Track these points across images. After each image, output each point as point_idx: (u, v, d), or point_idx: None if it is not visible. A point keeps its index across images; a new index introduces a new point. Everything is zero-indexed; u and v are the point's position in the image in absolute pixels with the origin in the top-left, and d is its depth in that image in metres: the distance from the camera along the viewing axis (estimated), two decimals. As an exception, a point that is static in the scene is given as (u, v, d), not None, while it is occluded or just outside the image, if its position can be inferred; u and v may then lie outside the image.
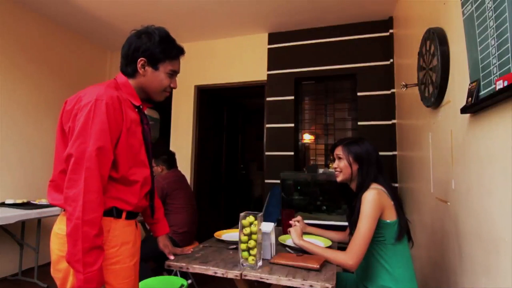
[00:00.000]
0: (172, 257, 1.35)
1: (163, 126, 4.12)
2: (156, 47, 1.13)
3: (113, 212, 1.04)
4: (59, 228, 1.04)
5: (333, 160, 1.57)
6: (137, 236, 1.15)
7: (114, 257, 1.03)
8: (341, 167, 1.50)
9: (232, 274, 1.20)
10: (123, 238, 1.06)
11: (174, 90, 1.32)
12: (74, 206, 0.92)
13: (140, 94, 1.18)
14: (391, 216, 1.34)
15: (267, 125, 3.60)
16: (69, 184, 0.94)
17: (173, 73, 1.19)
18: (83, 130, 0.96)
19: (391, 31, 3.19)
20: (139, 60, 1.13)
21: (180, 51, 1.20)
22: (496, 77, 1.02)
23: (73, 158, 0.95)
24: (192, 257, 1.37)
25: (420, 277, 1.99)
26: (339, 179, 1.53)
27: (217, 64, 3.88)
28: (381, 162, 1.48)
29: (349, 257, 1.27)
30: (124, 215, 1.07)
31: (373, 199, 1.31)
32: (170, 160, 2.74)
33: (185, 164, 3.77)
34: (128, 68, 1.15)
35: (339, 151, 1.52)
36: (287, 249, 1.54)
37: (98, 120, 0.98)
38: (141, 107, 1.18)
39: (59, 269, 1.01)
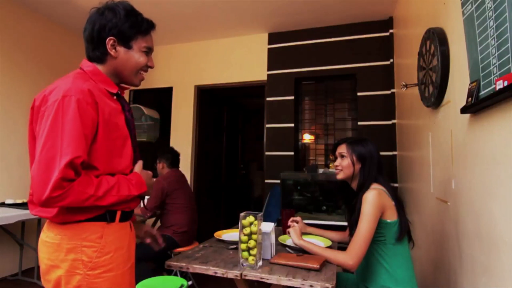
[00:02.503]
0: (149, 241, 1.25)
1: (163, 126, 4.12)
2: (124, 23, 1.00)
3: (106, 216, 0.97)
4: (47, 236, 0.95)
5: (334, 159, 1.57)
6: (131, 239, 1.06)
7: (108, 264, 0.95)
8: (343, 165, 1.50)
9: (232, 274, 1.20)
10: (116, 243, 0.98)
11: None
12: (61, 198, 0.85)
13: (114, 79, 1.05)
14: (391, 216, 1.34)
15: (267, 125, 3.60)
16: (39, 191, 0.84)
17: (148, 50, 1.08)
18: (50, 133, 0.86)
19: (391, 31, 3.18)
20: (107, 40, 1.00)
21: (151, 25, 1.08)
22: (496, 77, 1.02)
23: (40, 164, 0.84)
24: (192, 257, 1.37)
25: (420, 277, 1.99)
26: (339, 176, 1.53)
27: (217, 64, 3.87)
28: (381, 163, 1.48)
29: (349, 257, 1.27)
30: (118, 217, 0.99)
31: (373, 199, 1.31)
32: (173, 159, 2.75)
33: (185, 164, 3.76)
34: (96, 52, 1.02)
35: (342, 149, 1.52)
36: (287, 249, 1.54)
37: (68, 120, 0.86)
38: (119, 93, 1.06)
39: (49, 279, 0.93)
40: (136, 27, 1.03)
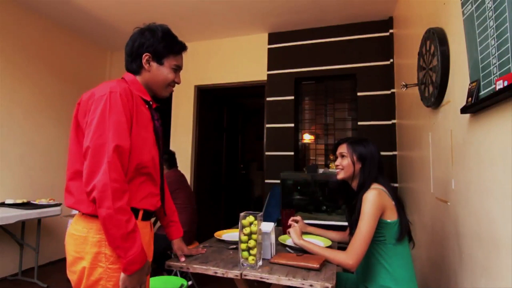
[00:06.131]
0: (183, 259, 1.33)
1: (163, 126, 4.10)
2: (159, 43, 1.15)
3: None
4: (75, 229, 1.04)
5: (335, 159, 1.57)
6: (150, 238, 1.17)
7: None
8: (344, 165, 1.50)
9: (232, 274, 1.20)
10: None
11: (174, 90, 1.33)
12: (101, 196, 0.93)
13: (147, 91, 1.20)
14: (391, 216, 1.34)
15: (267, 125, 3.60)
16: (90, 176, 0.95)
17: (177, 68, 1.22)
18: (100, 123, 0.97)
19: (391, 31, 3.18)
20: (143, 55, 1.15)
21: (183, 47, 1.23)
22: (496, 77, 1.02)
23: (91, 151, 0.95)
24: (192, 257, 1.37)
25: (420, 277, 1.99)
26: (339, 176, 1.53)
27: (217, 64, 3.87)
28: (382, 164, 1.48)
29: (349, 257, 1.27)
30: (140, 215, 1.08)
31: (374, 199, 1.31)
32: (170, 159, 2.75)
33: (185, 164, 3.76)
34: (133, 64, 1.17)
35: (343, 149, 1.52)
36: (287, 249, 1.54)
37: (114, 112, 0.99)
38: (151, 103, 1.19)
39: (74, 270, 1.02)
40: (169, 48, 1.17)
